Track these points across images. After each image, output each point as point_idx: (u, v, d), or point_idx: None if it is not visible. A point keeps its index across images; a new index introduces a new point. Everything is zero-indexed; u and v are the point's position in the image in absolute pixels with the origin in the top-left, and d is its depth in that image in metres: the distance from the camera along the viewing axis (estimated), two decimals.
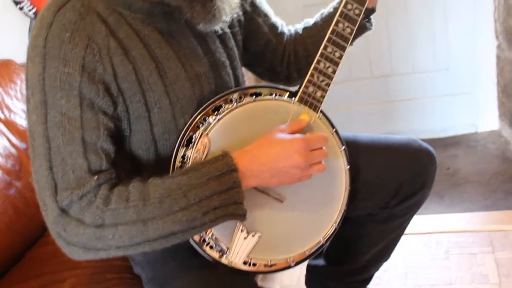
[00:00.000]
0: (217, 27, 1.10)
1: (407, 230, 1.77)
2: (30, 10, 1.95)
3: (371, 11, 1.29)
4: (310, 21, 1.37)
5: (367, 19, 1.30)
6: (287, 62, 1.37)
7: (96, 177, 0.97)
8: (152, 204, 0.95)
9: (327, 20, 1.30)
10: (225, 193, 0.98)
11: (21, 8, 1.96)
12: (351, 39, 1.15)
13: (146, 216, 0.95)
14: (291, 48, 1.37)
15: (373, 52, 2.75)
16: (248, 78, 2.17)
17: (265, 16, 1.33)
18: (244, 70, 1.36)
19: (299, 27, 1.40)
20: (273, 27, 1.35)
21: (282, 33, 1.37)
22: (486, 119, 2.79)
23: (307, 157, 1.03)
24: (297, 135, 1.05)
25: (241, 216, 1.02)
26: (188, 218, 0.96)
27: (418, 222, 1.98)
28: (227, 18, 1.09)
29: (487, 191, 2.37)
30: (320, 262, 1.56)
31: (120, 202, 0.95)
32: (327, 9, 1.34)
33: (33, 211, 1.60)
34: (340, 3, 1.16)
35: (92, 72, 0.98)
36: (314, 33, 1.33)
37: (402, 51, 2.73)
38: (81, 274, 1.38)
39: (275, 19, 1.37)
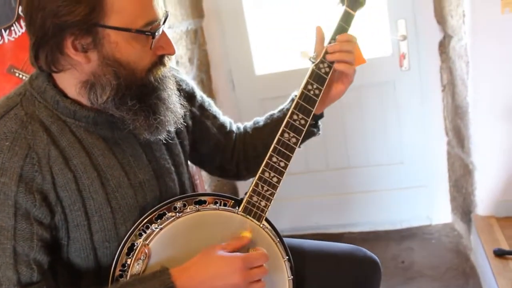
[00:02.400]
0: (161, 137, 1.11)
1: None
2: None
3: (319, 116, 1.33)
4: (260, 122, 1.40)
5: (315, 124, 1.33)
6: (236, 160, 1.39)
7: None
8: None
9: (276, 124, 1.32)
10: None
11: None
12: (296, 148, 1.18)
13: None
14: (240, 146, 1.39)
15: (329, 145, 2.81)
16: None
17: (214, 117, 1.36)
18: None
19: (248, 125, 1.42)
20: (221, 127, 1.37)
21: (231, 132, 1.39)
22: (440, 211, 2.85)
23: (246, 276, 1.02)
24: (237, 254, 1.05)
25: None
26: None
27: None
28: (171, 128, 1.11)
29: (441, 286, 2.38)
30: None
31: None
32: (276, 111, 1.37)
33: None
34: (286, 112, 1.20)
35: (30, 182, 0.98)
36: (264, 136, 1.35)
37: (357, 145, 2.81)
38: None
39: (223, 118, 1.39)
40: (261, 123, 1.39)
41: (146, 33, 0.98)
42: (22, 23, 1.89)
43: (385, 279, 2.45)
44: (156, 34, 1.00)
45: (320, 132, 1.37)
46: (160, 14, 1.01)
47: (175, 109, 1.10)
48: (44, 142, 1.00)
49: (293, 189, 2.83)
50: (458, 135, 2.54)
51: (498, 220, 2.38)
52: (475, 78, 2.24)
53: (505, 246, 2.17)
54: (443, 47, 2.52)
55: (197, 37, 2.62)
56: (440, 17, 2.48)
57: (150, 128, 1.06)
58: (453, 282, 2.40)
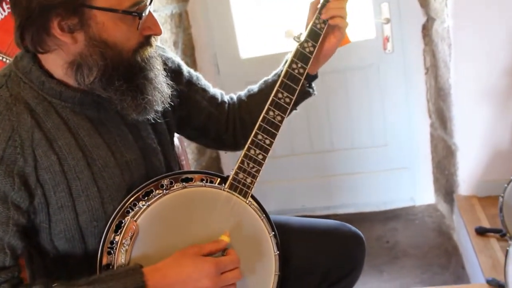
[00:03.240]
0: (149, 117, 1.12)
1: None
2: None
3: (314, 77, 1.34)
4: (254, 88, 1.41)
5: (308, 85, 1.34)
6: (233, 129, 1.40)
7: None
8: None
9: (271, 88, 1.30)
10: None
11: None
12: (281, 126, 1.19)
13: None
14: (236, 115, 1.40)
15: (314, 127, 2.84)
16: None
17: (203, 91, 1.36)
18: None
19: (242, 94, 1.43)
20: (212, 99, 1.38)
21: (222, 103, 1.40)
22: (423, 193, 2.90)
23: (217, 281, 1.04)
24: (210, 258, 1.05)
25: None
26: None
27: None
28: (159, 108, 1.11)
29: (424, 265, 2.43)
30: None
31: None
32: (270, 76, 1.38)
33: None
34: (272, 90, 1.21)
35: (11, 165, 0.98)
36: (260, 101, 1.31)
37: (342, 128, 2.83)
38: None
39: (214, 90, 1.40)
40: (256, 89, 1.39)
41: (133, 13, 0.98)
42: (5, 6, 1.87)
43: (370, 259, 2.50)
44: (143, 14, 1.00)
45: (315, 92, 1.37)
46: None
47: (162, 88, 1.10)
48: (28, 124, 1.00)
49: (279, 172, 2.86)
50: (441, 117, 2.58)
51: (480, 200, 2.43)
52: (457, 60, 2.27)
53: (487, 225, 2.22)
54: (426, 30, 2.55)
55: (182, 21, 2.61)
56: (423, 0, 2.50)
57: (138, 108, 1.06)
58: (436, 261, 2.45)
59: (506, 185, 1.98)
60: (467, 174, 2.46)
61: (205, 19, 2.72)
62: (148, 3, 1.01)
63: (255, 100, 1.37)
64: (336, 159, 2.90)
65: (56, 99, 1.04)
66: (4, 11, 1.87)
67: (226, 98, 1.42)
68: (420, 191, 2.90)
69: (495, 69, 2.24)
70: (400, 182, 2.89)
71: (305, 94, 1.32)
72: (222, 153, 2.98)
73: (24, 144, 0.99)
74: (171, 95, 1.25)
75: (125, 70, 1.03)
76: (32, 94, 1.03)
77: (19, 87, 1.02)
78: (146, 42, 1.06)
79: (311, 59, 1.24)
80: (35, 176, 1.00)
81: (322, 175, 2.93)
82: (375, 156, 2.87)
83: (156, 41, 1.11)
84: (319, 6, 1.25)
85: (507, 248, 1.69)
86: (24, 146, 0.99)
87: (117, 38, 1.00)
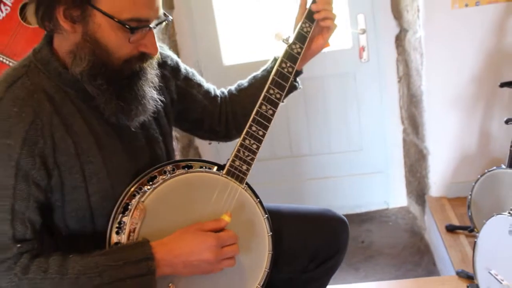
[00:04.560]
0: (130, 123, 1.18)
1: None
2: None
3: (299, 72, 1.46)
4: (244, 83, 1.51)
5: (294, 80, 1.44)
6: (225, 121, 1.50)
7: (19, 245, 1.05)
8: (69, 280, 1.04)
9: (261, 82, 1.42)
10: (139, 278, 1.08)
11: None
12: (272, 119, 1.31)
13: None
14: (228, 108, 1.50)
15: (293, 132, 2.96)
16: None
17: (199, 86, 1.46)
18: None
19: (233, 88, 1.53)
20: (206, 93, 1.48)
21: (215, 97, 1.50)
22: (396, 196, 3.04)
23: (217, 253, 1.14)
24: (211, 233, 1.16)
25: None
26: None
27: None
28: (137, 118, 1.17)
29: (398, 262, 2.56)
30: None
31: (38, 273, 1.03)
32: (259, 72, 1.49)
33: None
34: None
35: (33, 146, 1.06)
36: (251, 94, 1.44)
37: (320, 133, 2.96)
38: None
39: (207, 85, 1.50)
40: (246, 84, 1.50)
41: (126, 26, 1.06)
42: (3, 7, 1.95)
43: (347, 257, 2.60)
44: (137, 31, 1.07)
45: (301, 86, 1.48)
46: (154, 17, 1.10)
47: (143, 101, 1.16)
48: (48, 110, 1.09)
49: (260, 175, 2.95)
50: (413, 123, 2.73)
51: (450, 200, 2.59)
52: (429, 68, 2.43)
53: (456, 223, 2.37)
54: (400, 40, 2.70)
55: (168, 28, 2.71)
56: (397, 12, 2.66)
57: (110, 110, 1.13)
58: (409, 259, 2.58)
59: (473, 183, 2.13)
60: (438, 176, 2.61)
61: (189, 27, 2.82)
62: (151, 24, 1.10)
63: (246, 94, 1.48)
64: (314, 163, 3.02)
65: (71, 89, 1.13)
66: (2, 12, 1.95)
67: (218, 92, 1.52)
68: (393, 194, 3.03)
69: (464, 77, 2.41)
70: (374, 185, 3.03)
71: (292, 88, 1.44)
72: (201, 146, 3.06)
73: (44, 128, 1.08)
74: (171, 90, 1.35)
75: (110, 73, 1.10)
76: (50, 83, 1.11)
77: (38, 77, 1.11)
78: (139, 57, 1.13)
79: (299, 59, 1.36)
80: (53, 158, 1.09)
81: (301, 178, 3.04)
82: (351, 161, 2.99)
83: (152, 60, 1.18)
84: (306, 11, 1.37)
85: (475, 240, 1.83)
86: (44, 130, 1.08)
87: (109, 42, 1.08)
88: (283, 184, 3.03)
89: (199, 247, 1.12)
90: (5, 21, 1.97)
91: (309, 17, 1.36)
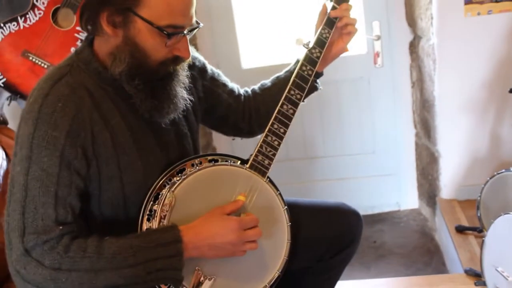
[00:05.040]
0: (161, 120, 1.29)
1: None
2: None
3: (320, 74, 1.55)
4: (267, 83, 1.62)
5: (315, 81, 1.54)
6: (248, 118, 1.60)
7: (61, 227, 1.15)
8: (105, 258, 1.13)
9: (283, 82, 1.50)
10: (169, 259, 1.18)
11: None
12: (293, 118, 1.40)
13: (98, 267, 1.13)
14: (251, 106, 1.60)
15: (308, 135, 3.05)
16: None
17: (224, 85, 1.57)
18: None
19: (256, 87, 1.64)
20: (231, 92, 1.58)
21: (239, 96, 1.60)
22: (408, 198, 3.11)
23: (241, 235, 1.24)
24: (234, 217, 1.25)
25: (177, 281, 1.20)
26: (133, 274, 1.15)
27: (348, 286, 2.20)
28: (169, 116, 1.28)
29: (409, 262, 2.63)
30: None
31: (78, 252, 1.13)
32: (282, 73, 1.59)
33: None
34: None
35: (75, 138, 1.17)
36: (273, 94, 1.53)
37: (333, 136, 3.05)
38: None
39: (232, 85, 1.60)
40: (269, 84, 1.60)
41: (164, 32, 1.17)
42: (36, 11, 2.07)
43: (359, 256, 2.70)
44: (173, 36, 1.18)
45: (321, 87, 1.57)
46: (188, 24, 1.21)
47: (175, 100, 1.27)
48: (89, 106, 1.20)
49: (275, 176, 3.03)
50: (425, 126, 2.81)
51: (460, 203, 2.66)
52: (441, 74, 2.51)
53: (466, 224, 2.44)
54: (413, 47, 2.79)
55: None
56: (411, 20, 2.74)
57: (145, 108, 1.24)
58: (419, 259, 2.65)
59: (483, 185, 2.21)
60: (449, 179, 2.69)
61: (209, 31, 2.92)
62: (186, 31, 1.21)
63: (269, 93, 1.58)
64: (328, 164, 3.10)
65: (109, 87, 1.23)
66: (36, 15, 2.07)
67: (242, 91, 1.63)
68: (405, 196, 3.11)
69: (475, 83, 2.49)
70: (386, 187, 3.10)
71: (313, 89, 1.53)
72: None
73: (85, 122, 1.18)
74: (198, 89, 1.45)
75: (146, 73, 1.21)
76: (90, 81, 1.22)
77: (80, 75, 1.22)
78: (173, 60, 1.24)
79: (318, 63, 1.45)
80: (92, 150, 1.19)
81: (315, 179, 3.13)
82: (364, 163, 3.07)
83: (185, 64, 1.29)
84: (325, 17, 1.46)
85: (483, 239, 1.90)
86: (85, 123, 1.18)
87: (147, 45, 1.19)
88: (297, 184, 3.11)
89: (223, 230, 1.22)
90: (38, 24, 2.08)
91: (328, 23, 1.45)
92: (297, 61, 1.48)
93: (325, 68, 1.55)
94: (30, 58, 2.08)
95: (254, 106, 1.60)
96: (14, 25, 2.06)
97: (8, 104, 2.15)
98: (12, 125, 2.22)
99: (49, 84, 1.18)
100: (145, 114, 1.25)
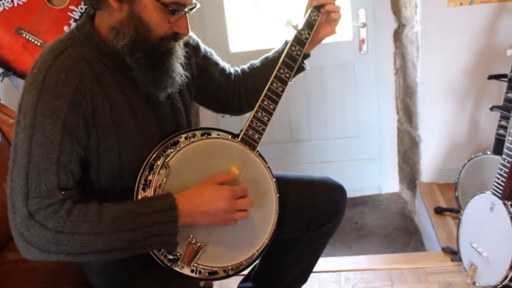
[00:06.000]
0: (159, 94, 1.35)
1: (320, 268, 2.07)
2: None
3: (307, 55, 1.61)
4: (256, 63, 1.68)
5: (302, 62, 1.60)
6: (238, 96, 1.67)
7: (63, 192, 1.20)
8: (105, 222, 1.19)
9: (272, 62, 1.57)
10: (164, 224, 1.24)
11: None
12: (282, 95, 1.47)
13: (98, 231, 1.19)
14: (241, 84, 1.67)
15: (294, 119, 3.13)
16: None
17: (216, 64, 1.63)
18: None
19: (245, 67, 1.71)
20: (222, 71, 1.64)
21: (230, 74, 1.67)
22: (389, 182, 3.22)
23: (232, 203, 1.30)
24: (225, 186, 1.32)
25: (172, 245, 1.27)
26: (132, 238, 1.21)
27: (330, 262, 2.29)
28: (167, 89, 1.34)
29: (388, 242, 2.73)
30: (249, 284, 1.79)
31: (79, 216, 1.19)
32: (271, 54, 1.65)
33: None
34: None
35: (77, 108, 1.22)
36: (262, 73, 1.59)
37: (318, 120, 3.13)
38: None
39: (223, 64, 1.67)
40: (258, 64, 1.67)
41: (169, 8, 1.23)
42: None
43: (341, 236, 2.80)
44: (176, 13, 1.24)
45: (308, 68, 1.64)
46: (189, 3, 1.27)
47: (173, 75, 1.34)
48: (90, 78, 1.25)
49: None
50: (407, 112, 2.90)
51: (439, 186, 2.76)
52: (424, 61, 2.60)
53: (444, 206, 2.54)
54: (397, 35, 2.87)
55: None
56: (396, 8, 2.82)
57: (145, 81, 1.30)
58: (399, 239, 2.76)
59: (461, 168, 2.30)
60: (429, 163, 2.78)
61: (198, 13, 2.97)
62: (187, 9, 1.27)
63: (258, 72, 1.65)
64: (312, 148, 3.19)
65: (110, 62, 1.29)
66: None
67: (232, 70, 1.69)
68: (386, 180, 3.21)
69: (456, 70, 2.58)
70: (368, 171, 3.20)
71: (300, 69, 1.60)
72: None
73: (86, 93, 1.23)
74: (192, 67, 1.51)
75: (148, 47, 1.27)
76: (91, 55, 1.27)
77: (81, 49, 1.27)
78: (173, 35, 1.30)
79: (307, 44, 1.52)
80: (92, 120, 1.25)
81: (299, 162, 3.21)
82: (347, 147, 3.16)
83: (182, 40, 1.35)
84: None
85: (460, 217, 2.00)
86: (86, 95, 1.23)
87: (151, 21, 1.25)
88: (283, 167, 3.18)
89: (215, 197, 1.28)
90: (32, 2, 2.11)
91: (317, 6, 1.52)
92: (286, 42, 1.54)
93: (312, 50, 1.61)
94: (24, 35, 2.11)
95: (243, 84, 1.67)
96: (8, 2, 2.08)
97: (1, 81, 2.17)
98: (4, 100, 2.26)
99: (52, 56, 1.23)
100: (144, 87, 1.31)
